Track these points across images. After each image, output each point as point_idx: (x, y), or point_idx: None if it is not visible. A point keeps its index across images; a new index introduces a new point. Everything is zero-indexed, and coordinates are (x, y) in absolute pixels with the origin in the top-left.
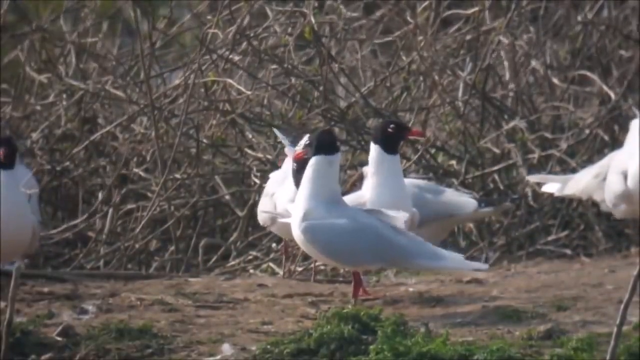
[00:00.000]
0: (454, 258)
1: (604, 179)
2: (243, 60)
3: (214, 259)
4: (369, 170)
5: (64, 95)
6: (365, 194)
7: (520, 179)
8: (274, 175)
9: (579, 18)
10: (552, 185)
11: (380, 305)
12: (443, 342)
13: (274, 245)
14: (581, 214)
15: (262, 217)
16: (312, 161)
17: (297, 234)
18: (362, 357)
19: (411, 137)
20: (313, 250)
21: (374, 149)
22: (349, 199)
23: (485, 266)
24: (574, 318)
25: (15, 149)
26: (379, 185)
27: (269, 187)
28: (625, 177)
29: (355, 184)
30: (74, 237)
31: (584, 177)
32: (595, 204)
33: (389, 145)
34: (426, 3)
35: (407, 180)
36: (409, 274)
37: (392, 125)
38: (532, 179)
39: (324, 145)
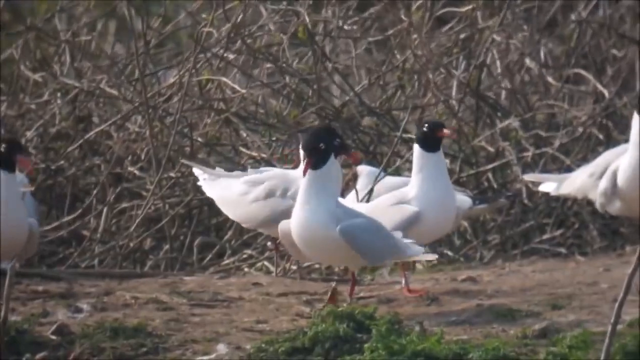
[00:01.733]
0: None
1: (599, 178)
2: (237, 59)
3: (208, 258)
4: (413, 168)
5: (59, 94)
6: (410, 192)
7: (515, 177)
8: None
9: (573, 17)
10: (548, 185)
11: (375, 303)
12: (437, 341)
13: (269, 244)
14: (576, 213)
15: (254, 219)
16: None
17: (330, 236)
18: (357, 355)
19: (441, 136)
20: (349, 251)
21: (415, 148)
22: (392, 196)
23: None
24: (569, 317)
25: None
26: (423, 183)
27: (268, 188)
28: (615, 174)
29: (349, 183)
30: (68, 235)
31: (579, 176)
32: (590, 203)
33: (427, 143)
34: (420, 2)
35: (401, 179)
36: None
37: (426, 124)
38: (528, 178)
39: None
